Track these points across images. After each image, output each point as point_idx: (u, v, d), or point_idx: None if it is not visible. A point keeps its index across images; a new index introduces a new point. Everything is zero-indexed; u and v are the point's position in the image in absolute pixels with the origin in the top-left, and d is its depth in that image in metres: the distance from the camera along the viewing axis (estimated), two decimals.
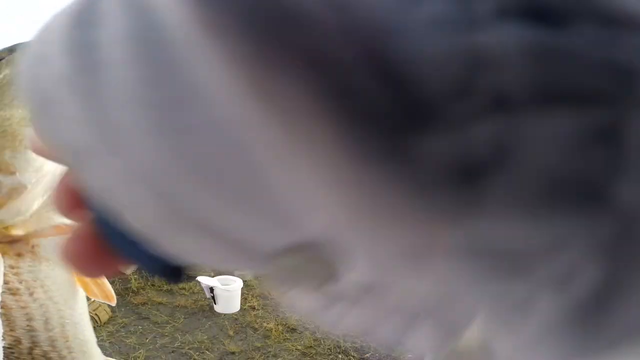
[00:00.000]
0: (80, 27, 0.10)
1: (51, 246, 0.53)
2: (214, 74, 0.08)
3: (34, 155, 0.43)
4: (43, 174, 0.48)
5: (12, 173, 0.44)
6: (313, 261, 0.10)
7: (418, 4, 0.07)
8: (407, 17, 0.07)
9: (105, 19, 0.09)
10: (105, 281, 0.56)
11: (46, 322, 0.52)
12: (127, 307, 3.69)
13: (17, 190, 0.45)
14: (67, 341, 0.54)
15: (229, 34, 0.08)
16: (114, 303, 0.58)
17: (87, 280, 0.54)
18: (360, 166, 0.08)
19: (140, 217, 0.10)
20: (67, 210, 0.13)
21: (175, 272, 0.14)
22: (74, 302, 0.55)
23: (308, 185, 0.09)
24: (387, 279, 0.10)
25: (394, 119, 0.08)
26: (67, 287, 0.54)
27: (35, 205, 0.50)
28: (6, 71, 0.45)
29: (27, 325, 0.52)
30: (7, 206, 0.46)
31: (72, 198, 0.13)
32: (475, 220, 0.08)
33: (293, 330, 3.46)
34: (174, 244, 0.11)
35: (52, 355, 0.53)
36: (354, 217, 0.09)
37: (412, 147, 0.08)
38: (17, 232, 0.50)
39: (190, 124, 0.09)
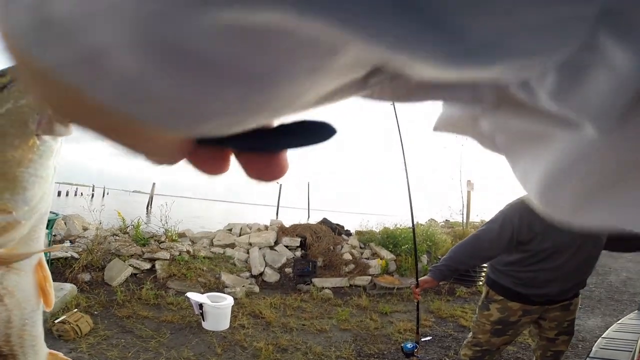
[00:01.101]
0: None
1: (24, 259, 0.57)
2: None
3: (30, 196, 0.48)
4: (36, 211, 0.51)
5: (9, 212, 0.48)
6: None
7: None
8: None
9: None
10: (52, 291, 0.62)
11: (8, 321, 0.56)
12: (111, 320, 3.57)
13: (11, 226, 0.49)
14: (20, 338, 0.58)
15: None
16: (48, 310, 0.62)
17: (41, 288, 0.60)
18: None
19: None
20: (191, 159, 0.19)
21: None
22: (36, 305, 0.60)
23: None
24: None
25: None
26: (32, 293, 0.58)
27: (27, 230, 0.54)
28: (8, 106, 0.46)
29: None
30: (1, 238, 0.51)
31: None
32: None
33: (284, 350, 3.33)
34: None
35: (4, 349, 0.57)
36: None
37: None
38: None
39: None
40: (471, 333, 2.24)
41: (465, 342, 2.28)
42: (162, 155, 0.16)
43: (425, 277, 2.18)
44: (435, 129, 0.23)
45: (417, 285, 2.21)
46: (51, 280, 0.61)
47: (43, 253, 0.60)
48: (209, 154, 0.19)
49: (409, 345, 2.57)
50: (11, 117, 0.44)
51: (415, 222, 2.94)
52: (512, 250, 2.01)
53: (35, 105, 0.44)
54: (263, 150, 0.19)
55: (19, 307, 0.56)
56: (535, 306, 2.05)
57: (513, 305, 2.06)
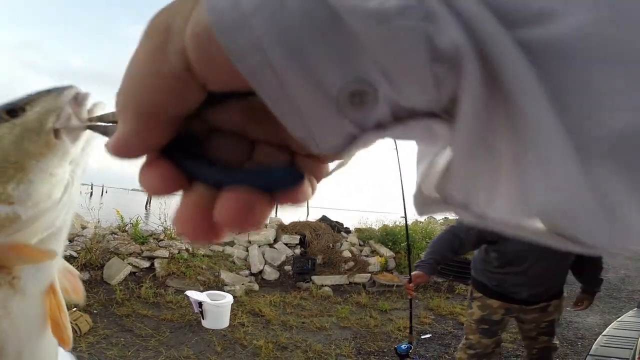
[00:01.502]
0: None
1: (30, 281, 0.52)
2: None
3: (35, 191, 0.47)
4: (40, 210, 0.49)
5: (11, 203, 0.46)
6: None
7: None
8: None
9: None
10: (68, 325, 0.55)
11: (2, 349, 0.50)
12: (110, 319, 3.56)
13: (10, 219, 0.47)
14: None
15: None
16: (67, 348, 0.56)
17: (53, 319, 0.54)
18: None
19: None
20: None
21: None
22: (38, 336, 0.54)
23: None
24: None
25: None
26: (35, 322, 0.53)
27: (34, 240, 0.51)
28: (38, 108, 0.47)
29: None
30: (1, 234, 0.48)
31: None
32: None
33: (284, 348, 3.33)
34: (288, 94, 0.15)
35: None
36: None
37: None
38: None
39: None
40: (464, 335, 2.25)
41: (460, 345, 2.29)
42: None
43: (417, 272, 2.18)
44: (420, 213, 0.23)
45: (410, 281, 2.21)
46: (66, 311, 0.54)
47: (57, 278, 0.54)
48: (166, 167, 0.18)
49: (403, 346, 2.56)
50: (34, 116, 0.45)
51: (414, 220, 2.94)
52: (487, 250, 2.07)
53: (58, 107, 0.46)
54: (224, 183, 0.18)
55: (16, 334, 0.50)
56: (515, 305, 2.07)
57: (492, 302, 2.08)
